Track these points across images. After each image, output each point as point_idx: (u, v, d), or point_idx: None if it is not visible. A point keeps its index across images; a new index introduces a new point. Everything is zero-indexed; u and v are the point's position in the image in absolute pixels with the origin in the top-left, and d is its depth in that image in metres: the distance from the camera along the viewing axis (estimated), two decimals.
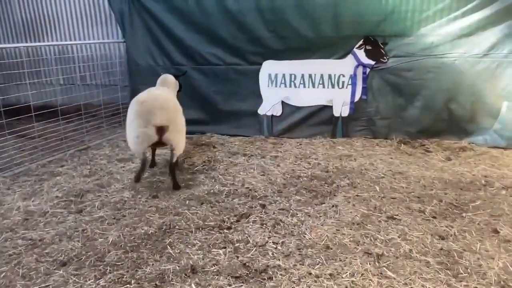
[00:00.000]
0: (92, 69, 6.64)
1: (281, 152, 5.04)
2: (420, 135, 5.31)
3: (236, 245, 2.90)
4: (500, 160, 4.54)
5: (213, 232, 3.09)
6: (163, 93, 4.10)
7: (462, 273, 2.53)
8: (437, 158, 4.65)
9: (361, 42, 5.27)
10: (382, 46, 5.21)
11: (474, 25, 4.80)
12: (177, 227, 3.16)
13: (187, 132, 5.78)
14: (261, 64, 5.63)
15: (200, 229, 3.14)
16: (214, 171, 4.40)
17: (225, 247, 2.88)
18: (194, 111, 5.90)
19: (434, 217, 3.25)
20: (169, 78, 4.67)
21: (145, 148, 3.76)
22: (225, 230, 3.11)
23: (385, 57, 5.22)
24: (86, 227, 3.19)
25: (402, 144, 5.17)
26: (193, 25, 5.65)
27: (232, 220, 3.27)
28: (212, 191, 3.83)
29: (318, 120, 5.63)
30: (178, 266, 2.64)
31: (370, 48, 5.25)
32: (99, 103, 5.93)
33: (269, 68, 5.64)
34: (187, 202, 3.61)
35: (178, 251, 2.84)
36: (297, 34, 5.34)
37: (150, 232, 3.07)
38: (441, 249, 2.79)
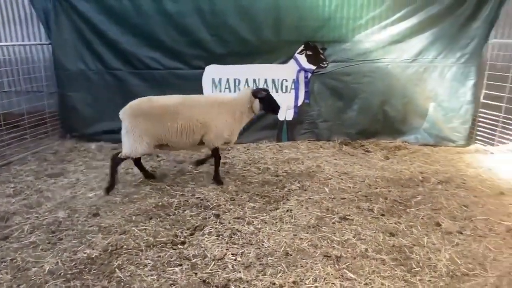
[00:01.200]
0: (12, 75, 5.87)
1: (229, 158, 4.93)
2: (359, 136, 5.59)
3: (193, 260, 2.72)
4: (431, 157, 4.94)
5: (166, 248, 2.87)
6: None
7: (415, 268, 2.65)
8: (376, 158, 4.92)
9: (302, 48, 5.39)
10: (321, 52, 5.38)
11: (403, 33, 5.19)
12: (124, 247, 2.88)
13: None
14: (203, 68, 5.47)
15: (151, 246, 2.89)
16: (160, 181, 4.13)
17: (181, 264, 2.68)
18: None
19: (383, 215, 3.39)
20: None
21: None
22: (179, 246, 2.91)
23: (324, 62, 5.40)
24: (15, 255, 2.76)
25: (344, 146, 5.39)
26: (129, 27, 5.30)
27: (185, 234, 3.07)
28: (160, 203, 3.58)
29: (264, 125, 5.63)
30: None
31: (310, 53, 5.39)
32: (21, 112, 5.28)
33: (212, 72, 5.50)
34: (133, 218, 3.32)
35: (129, 273, 2.58)
36: (240, 38, 5.29)
37: (93, 256, 2.75)
38: (393, 245, 2.91)
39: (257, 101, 3.92)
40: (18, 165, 4.63)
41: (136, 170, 4.35)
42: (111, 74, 5.51)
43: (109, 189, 3.77)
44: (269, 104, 3.99)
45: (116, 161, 3.80)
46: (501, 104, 5.02)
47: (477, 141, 5.33)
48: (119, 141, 5.36)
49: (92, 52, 5.41)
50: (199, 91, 5.49)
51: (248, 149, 5.28)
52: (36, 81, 5.79)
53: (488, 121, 5.16)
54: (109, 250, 2.82)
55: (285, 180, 4.18)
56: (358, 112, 5.53)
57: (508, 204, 3.59)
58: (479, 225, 3.21)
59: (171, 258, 2.75)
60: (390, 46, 5.28)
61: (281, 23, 5.25)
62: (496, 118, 5.03)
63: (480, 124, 5.28)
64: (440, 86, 5.28)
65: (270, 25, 5.26)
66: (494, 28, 5.24)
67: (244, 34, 5.28)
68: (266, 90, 4.00)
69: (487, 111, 5.17)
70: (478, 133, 5.31)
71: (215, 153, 4.01)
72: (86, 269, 2.62)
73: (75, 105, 5.52)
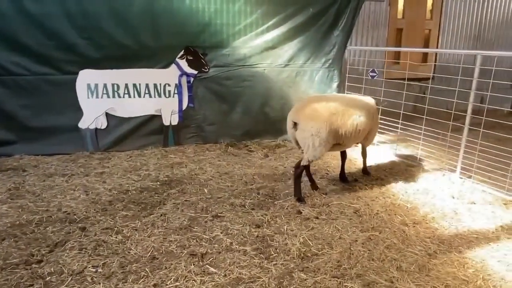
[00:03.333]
0: None
1: (108, 167, 4.72)
2: (244, 137, 5.87)
3: (47, 279, 2.55)
4: None
5: (17, 270, 2.63)
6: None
7: (272, 254, 2.89)
8: (257, 156, 5.22)
9: (182, 52, 5.44)
10: (202, 57, 5.51)
11: (275, 40, 5.62)
12: None
13: None
14: (77, 73, 5.14)
15: (0, 270, 2.62)
16: (22, 198, 3.76)
17: (32, 285, 2.49)
18: None
19: (253, 209, 3.63)
20: None
21: None
22: (34, 265, 2.70)
23: (206, 67, 5.54)
24: None
25: (230, 147, 5.59)
26: None
27: (43, 252, 2.86)
28: (17, 222, 3.26)
29: (148, 130, 5.52)
30: None
31: (191, 58, 5.48)
32: None
33: (87, 77, 5.19)
34: None
35: None
36: (115, 42, 5.10)
37: None
38: (257, 236, 3.14)
39: None
40: None
41: None
42: None
43: (301, 199, 3.77)
44: None
45: (300, 169, 3.76)
46: None
47: None
48: None
49: None
50: (73, 96, 5.14)
51: (131, 157, 5.13)
52: None
53: None
54: None
55: (165, 185, 4.17)
56: (242, 114, 5.80)
57: (358, 188, 4.15)
58: (333, 209, 3.65)
59: (22, 279, 2.54)
60: (266, 52, 5.66)
61: (159, 28, 5.21)
62: None
63: None
64: (311, 88, 5.86)
65: (148, 30, 5.18)
66: (353, 36, 6.00)
67: (120, 38, 5.11)
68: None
69: None
70: None
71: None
72: None
73: None
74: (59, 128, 5.15)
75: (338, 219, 3.47)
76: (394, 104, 5.23)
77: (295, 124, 3.72)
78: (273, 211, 3.60)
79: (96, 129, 5.28)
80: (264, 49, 5.64)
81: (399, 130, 5.30)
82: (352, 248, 2.98)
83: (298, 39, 5.69)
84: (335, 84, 5.83)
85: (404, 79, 5.41)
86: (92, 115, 5.25)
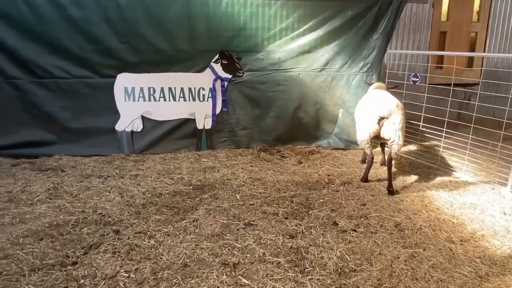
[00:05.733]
0: None
1: (142, 170, 4.76)
2: (277, 142, 5.76)
3: (81, 281, 2.56)
4: (340, 160, 5.24)
5: (53, 271, 2.66)
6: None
7: (307, 267, 2.76)
8: (290, 163, 5.09)
9: (217, 57, 5.42)
10: (237, 61, 5.47)
11: (311, 44, 5.48)
12: (4, 273, 2.61)
13: (30, 155, 5.03)
14: (115, 77, 5.25)
15: (36, 270, 2.66)
16: (60, 199, 3.85)
17: (67, 287, 2.50)
18: (36, 131, 5.13)
19: (286, 218, 3.50)
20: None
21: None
22: (69, 267, 2.71)
23: (240, 71, 5.49)
24: None
25: (262, 152, 5.50)
26: (29, 33, 4.89)
27: (78, 254, 2.88)
28: (55, 222, 3.32)
29: (182, 134, 5.55)
30: None
31: (226, 62, 5.45)
32: None
33: (124, 81, 5.29)
34: (20, 240, 3.03)
35: None
36: (152, 46, 5.16)
37: None
38: (291, 247, 3.01)
39: None
40: None
41: (33, 188, 4.04)
42: (9, 84, 5.05)
43: (393, 191, 4.07)
44: None
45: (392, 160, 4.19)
46: None
47: None
48: (21, 155, 4.98)
49: None
50: (110, 99, 5.25)
51: (164, 160, 5.16)
52: None
53: None
54: None
55: (197, 190, 4.14)
56: (275, 119, 5.69)
57: (399, 200, 3.92)
58: (372, 222, 3.45)
59: (57, 281, 2.56)
60: (301, 56, 5.53)
61: (195, 32, 5.23)
62: None
63: None
64: (347, 93, 5.65)
65: (184, 35, 5.22)
66: (393, 39, 5.75)
67: (157, 43, 5.17)
68: None
69: None
70: None
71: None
72: None
73: None
74: (96, 130, 5.27)
75: (378, 232, 3.27)
76: (437, 111, 4.93)
77: (380, 120, 4.01)
78: (308, 221, 3.45)
79: (132, 131, 5.37)
80: (299, 53, 5.51)
81: (442, 139, 4.98)
82: (393, 266, 2.78)
83: (335, 43, 5.51)
84: None
85: (447, 84, 5.10)
86: (129, 118, 5.34)
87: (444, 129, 4.91)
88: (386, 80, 5.66)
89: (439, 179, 4.59)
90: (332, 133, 5.78)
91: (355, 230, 3.30)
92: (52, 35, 4.94)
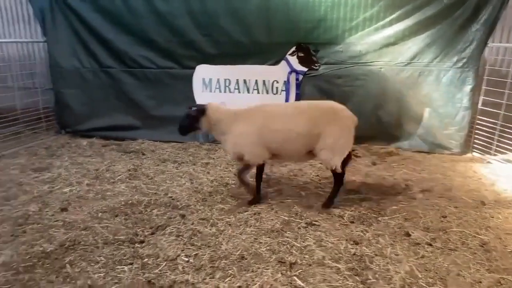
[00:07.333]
0: (11, 70, 6.07)
1: (213, 158, 4.91)
2: None
3: (145, 260, 2.71)
4: (422, 164, 4.74)
5: (122, 247, 2.87)
6: None
7: (370, 279, 2.53)
8: (364, 163, 4.76)
9: (293, 49, 5.30)
10: (313, 53, 5.27)
11: (398, 35, 5.01)
12: (82, 243, 2.90)
13: (117, 138, 5.55)
14: (194, 68, 5.48)
15: (109, 244, 2.90)
16: (137, 179, 4.16)
17: (131, 263, 2.67)
18: (124, 116, 5.63)
19: (352, 222, 3.27)
20: None
21: None
22: (136, 245, 2.90)
23: (316, 64, 5.29)
24: None
25: None
26: (122, 26, 5.39)
27: (146, 233, 3.06)
28: (130, 202, 3.59)
29: None
30: (74, 287, 2.40)
31: (302, 55, 5.30)
32: (18, 107, 5.44)
33: (203, 72, 5.50)
34: (99, 214, 3.34)
35: (78, 270, 2.59)
36: (231, 39, 5.27)
37: (49, 250, 2.78)
38: (354, 254, 2.80)
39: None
40: (8, 159, 4.78)
41: (116, 167, 4.43)
42: (104, 72, 5.62)
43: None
44: None
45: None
46: (499, 111, 4.75)
47: (474, 149, 5.08)
48: (110, 138, 5.54)
49: (86, 51, 5.54)
50: (189, 89, 5.51)
51: None
52: (33, 77, 5.97)
53: (486, 128, 4.91)
54: (65, 246, 2.85)
55: (263, 183, 4.08)
56: None
57: (489, 216, 3.39)
58: (452, 237, 3.04)
59: (124, 256, 2.75)
60: (384, 49, 5.10)
61: (273, 25, 5.19)
62: (494, 126, 4.78)
63: (477, 131, 5.03)
64: (436, 91, 5.06)
65: (262, 27, 5.21)
66: (494, 32, 4.98)
67: (236, 35, 5.26)
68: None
69: (485, 118, 4.92)
70: (475, 141, 5.06)
71: None
72: (40, 263, 2.65)
73: (68, 102, 5.66)
74: (175, 118, 5.50)
75: (458, 250, 2.86)
76: None
77: None
78: (376, 228, 3.18)
79: None
80: (383, 46, 5.09)
81: None
82: None
83: (426, 34, 4.96)
84: (468, 88, 4.91)
85: None
86: None
87: None
88: (485, 77, 4.93)
89: None
90: (415, 134, 5.25)
91: (430, 245, 2.93)
92: (141, 28, 5.35)
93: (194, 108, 3.64)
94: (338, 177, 3.50)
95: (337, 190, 3.54)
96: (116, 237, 2.97)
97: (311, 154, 3.49)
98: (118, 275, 2.53)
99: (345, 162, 3.55)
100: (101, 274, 2.54)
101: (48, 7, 5.40)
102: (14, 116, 5.49)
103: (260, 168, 3.59)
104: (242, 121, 3.48)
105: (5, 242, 2.90)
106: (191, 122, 3.62)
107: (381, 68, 5.15)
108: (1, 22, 6.49)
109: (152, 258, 2.73)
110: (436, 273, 2.60)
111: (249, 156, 3.45)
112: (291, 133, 3.34)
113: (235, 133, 3.46)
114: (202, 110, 3.56)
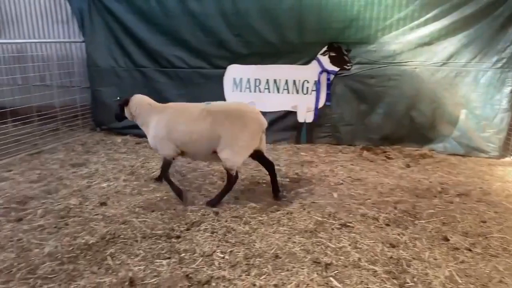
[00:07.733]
0: (50, 69, 6.35)
1: None
2: (383, 141, 5.35)
3: (182, 255, 2.77)
4: (457, 168, 4.61)
5: (160, 241, 2.94)
6: None
7: (408, 283, 2.49)
8: (397, 165, 4.67)
9: (325, 49, 5.27)
10: (345, 53, 5.22)
11: (434, 34, 4.89)
12: (121, 236, 3.00)
13: None
14: (225, 68, 5.54)
15: (147, 238, 2.98)
16: (171, 177, 4.22)
17: (169, 258, 2.74)
18: None
19: (388, 225, 3.22)
20: None
21: None
22: (173, 239, 2.97)
23: (348, 64, 5.23)
24: (23, 236, 2.98)
25: (365, 151, 5.18)
26: (156, 26, 5.52)
27: (182, 229, 3.13)
28: (165, 197, 3.68)
29: (283, 126, 5.58)
30: (116, 279, 2.48)
31: (334, 54, 5.26)
32: (57, 104, 5.68)
33: (233, 72, 5.56)
34: (136, 209, 3.44)
35: (119, 262, 2.68)
36: (262, 39, 5.29)
37: (91, 242, 2.89)
38: (391, 257, 2.75)
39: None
40: (48, 154, 4.99)
41: (150, 164, 4.54)
42: (139, 71, 5.78)
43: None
44: None
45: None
46: None
47: None
48: (143, 135, 5.67)
49: (121, 50, 5.71)
50: (220, 89, 5.57)
51: None
52: (72, 76, 6.22)
53: None
54: (106, 238, 2.96)
55: (294, 183, 4.11)
56: (383, 116, 5.28)
57: None
58: (493, 243, 2.94)
59: (162, 250, 2.82)
60: (419, 48, 4.99)
61: (304, 24, 5.17)
62: None
63: None
64: (473, 92, 4.90)
65: (293, 26, 5.20)
66: None
67: (267, 35, 5.27)
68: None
69: None
70: None
71: None
72: (82, 254, 2.76)
73: (104, 100, 5.84)
74: None
75: (500, 257, 2.77)
76: None
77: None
78: (412, 231, 3.12)
79: None
80: (418, 45, 4.97)
81: None
82: None
83: (463, 34, 4.81)
84: (508, 89, 4.72)
85: None
86: None
87: None
88: None
89: None
90: (450, 136, 5.10)
91: (470, 250, 2.85)
92: (174, 28, 5.46)
93: (119, 99, 3.96)
94: (231, 178, 3.51)
95: (226, 191, 3.56)
96: (153, 232, 3.06)
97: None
98: (157, 269, 2.60)
99: (267, 165, 3.70)
100: (141, 267, 2.61)
101: (86, 8, 5.60)
102: (52, 114, 5.73)
103: (168, 163, 3.64)
104: (156, 115, 3.63)
105: (49, 233, 3.04)
106: (119, 111, 3.92)
107: (415, 68, 5.04)
108: (41, 23, 6.79)
109: (189, 253, 2.79)
110: (477, 279, 2.53)
111: (160, 149, 3.61)
112: (192, 135, 3.43)
113: (151, 126, 3.64)
114: (125, 101, 3.84)
